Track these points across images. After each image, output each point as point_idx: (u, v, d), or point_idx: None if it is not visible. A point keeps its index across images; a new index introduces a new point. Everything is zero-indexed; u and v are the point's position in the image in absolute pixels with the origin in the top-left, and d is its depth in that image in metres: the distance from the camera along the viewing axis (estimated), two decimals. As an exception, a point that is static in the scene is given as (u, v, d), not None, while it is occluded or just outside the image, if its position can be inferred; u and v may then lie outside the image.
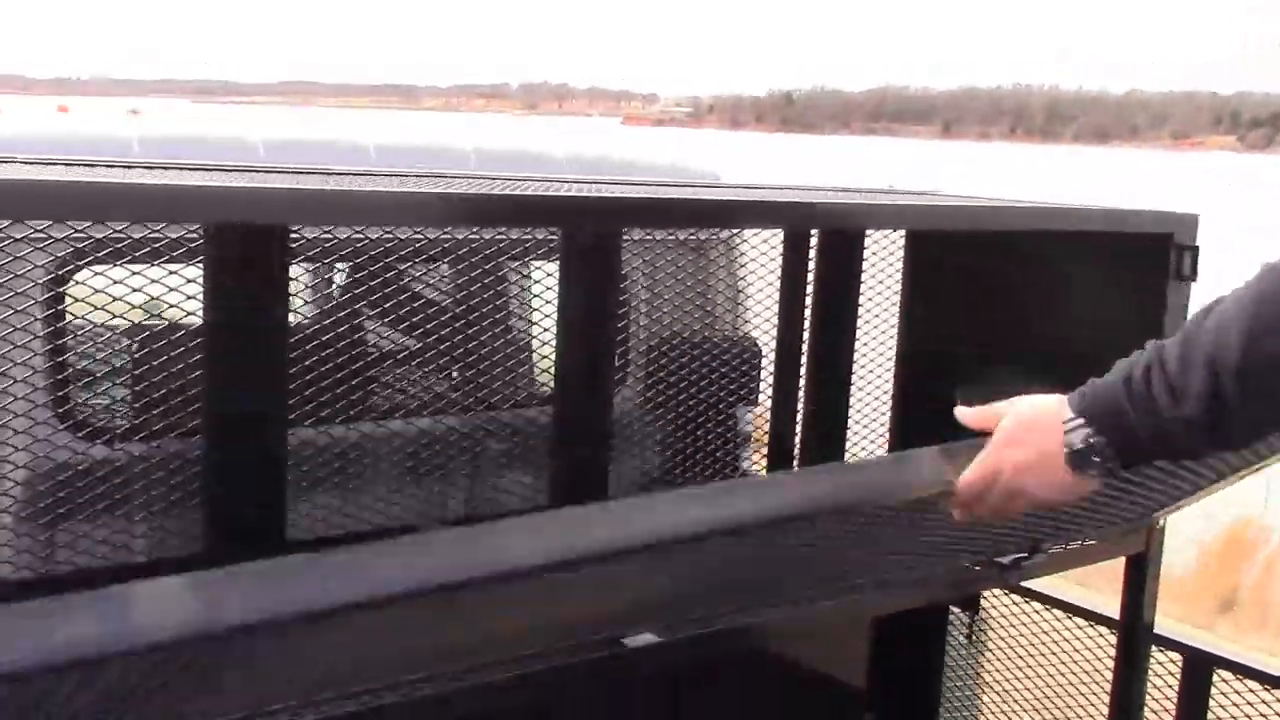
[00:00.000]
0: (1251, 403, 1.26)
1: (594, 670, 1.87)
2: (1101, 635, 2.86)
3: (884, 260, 2.92)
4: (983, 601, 3.12)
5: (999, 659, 3.13)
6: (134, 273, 1.97)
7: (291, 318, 2.08)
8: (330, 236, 2.14)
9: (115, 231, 1.94)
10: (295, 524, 2.17)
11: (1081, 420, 1.39)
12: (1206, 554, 8.93)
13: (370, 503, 2.31)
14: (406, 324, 2.37)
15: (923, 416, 2.94)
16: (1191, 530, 8.95)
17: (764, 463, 2.92)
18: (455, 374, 2.47)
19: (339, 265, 2.39)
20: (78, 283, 2.05)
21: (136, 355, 2.18)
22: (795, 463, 2.87)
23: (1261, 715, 2.62)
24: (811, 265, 2.77)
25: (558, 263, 2.47)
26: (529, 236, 2.43)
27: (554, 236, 2.42)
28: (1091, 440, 1.38)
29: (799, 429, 2.87)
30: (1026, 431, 1.45)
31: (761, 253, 2.75)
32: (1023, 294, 2.79)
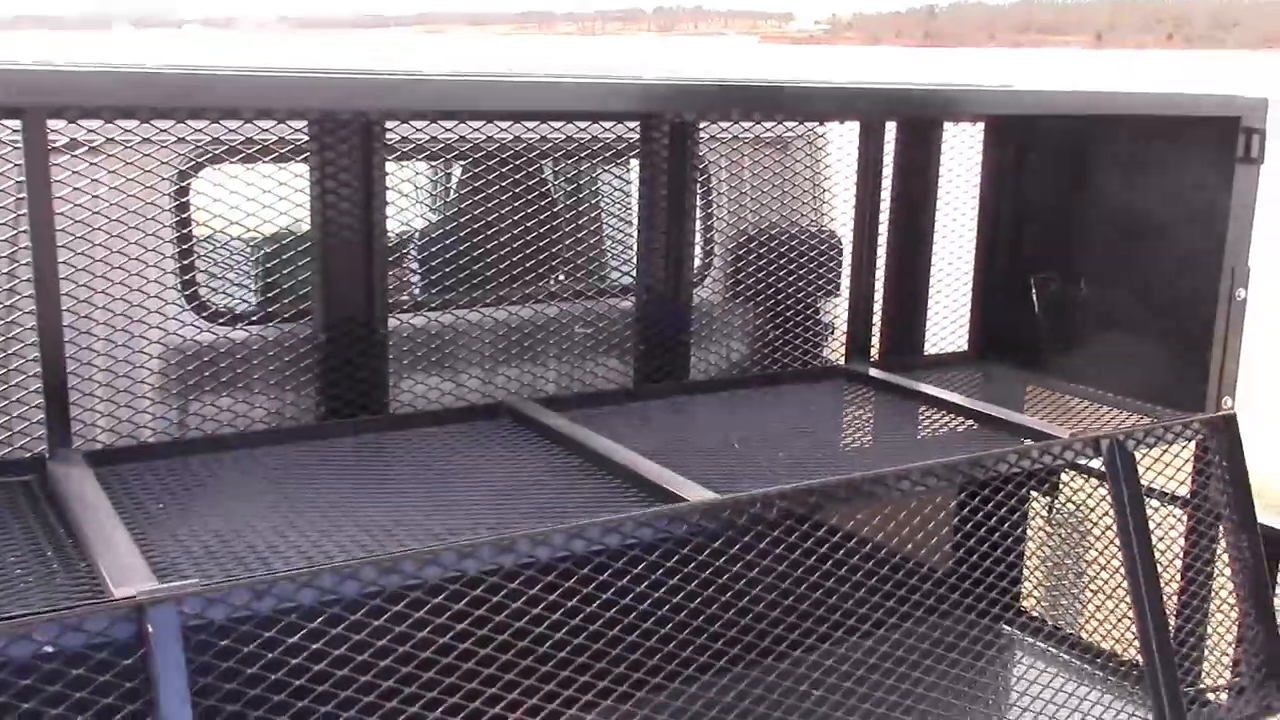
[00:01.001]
0: None
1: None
2: (1175, 515, 2.93)
3: (964, 153, 3.00)
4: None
5: (1075, 539, 3.22)
6: (250, 171, 2.20)
7: (392, 212, 2.28)
8: (424, 136, 2.33)
9: (231, 132, 2.17)
10: (398, 399, 2.41)
11: None
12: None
13: (466, 381, 2.52)
14: (503, 220, 2.55)
15: (1000, 306, 3.05)
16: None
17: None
18: (545, 266, 2.65)
19: (434, 166, 2.56)
20: (201, 180, 2.28)
21: (254, 250, 2.42)
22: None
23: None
24: (890, 157, 2.87)
25: (637, 161, 2.64)
26: (609, 135, 2.58)
27: (634, 134, 2.58)
28: None
29: (878, 320, 2.99)
30: None
31: (840, 148, 2.86)
32: (1099, 182, 2.84)
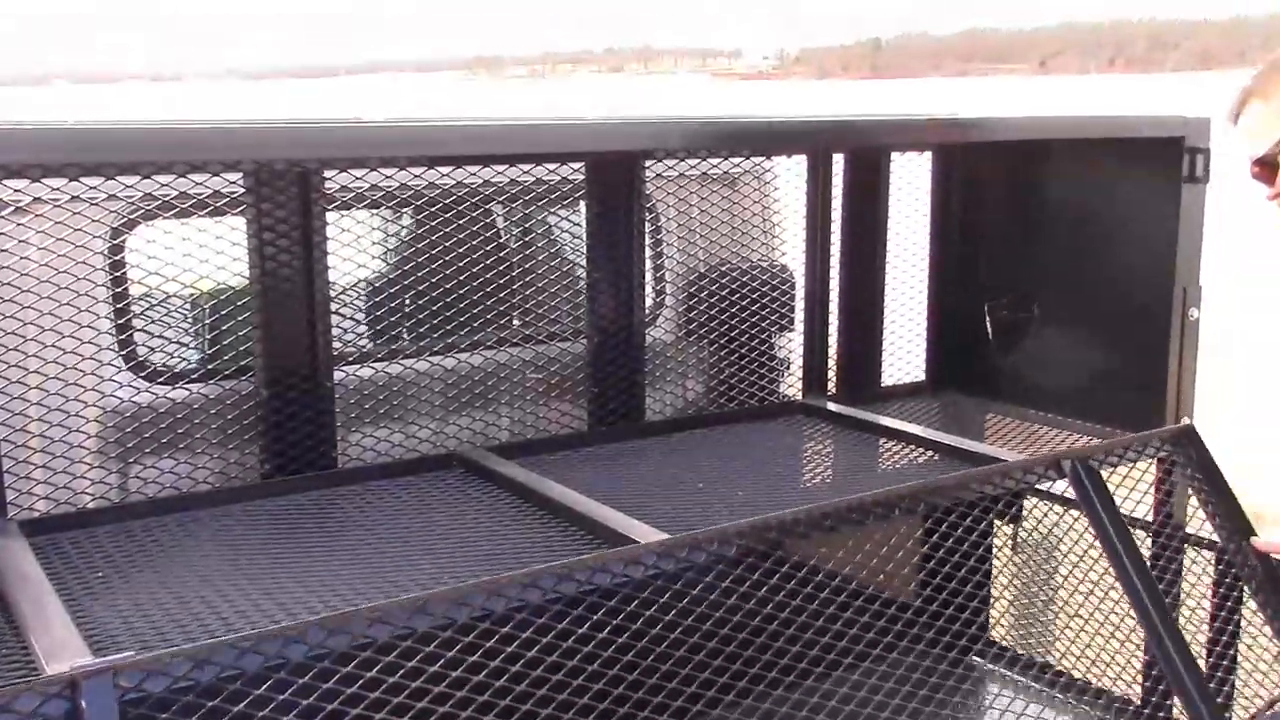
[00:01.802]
0: None
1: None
2: (1139, 540, 2.91)
3: (912, 182, 3.00)
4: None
5: (1041, 566, 3.20)
6: (185, 225, 2.15)
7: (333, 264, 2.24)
8: (364, 184, 2.30)
9: (165, 187, 2.12)
10: (346, 453, 2.36)
11: None
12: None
13: (417, 432, 2.47)
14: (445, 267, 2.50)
15: (956, 334, 3.04)
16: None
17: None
18: (495, 311, 2.60)
19: (376, 213, 2.53)
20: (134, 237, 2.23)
21: (193, 306, 2.37)
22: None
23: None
24: (838, 189, 2.86)
25: (584, 201, 2.61)
26: (555, 177, 2.55)
27: (580, 175, 2.55)
28: None
29: (834, 353, 2.97)
30: None
31: (788, 181, 2.85)
32: (1048, 207, 2.84)
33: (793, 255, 2.96)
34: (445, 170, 2.37)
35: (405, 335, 2.51)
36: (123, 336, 2.23)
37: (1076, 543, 3.16)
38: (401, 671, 1.46)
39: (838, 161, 2.84)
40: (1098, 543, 3.06)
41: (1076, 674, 2.83)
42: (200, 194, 2.13)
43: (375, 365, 2.41)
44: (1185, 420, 2.67)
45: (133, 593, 1.71)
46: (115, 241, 2.21)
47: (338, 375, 2.28)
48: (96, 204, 2.08)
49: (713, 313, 2.88)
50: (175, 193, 2.12)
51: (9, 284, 1.94)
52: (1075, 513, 3.10)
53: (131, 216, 2.22)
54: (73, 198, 2.04)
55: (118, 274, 2.22)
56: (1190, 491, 2.62)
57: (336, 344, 2.29)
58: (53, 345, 2.04)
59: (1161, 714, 2.20)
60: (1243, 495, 2.42)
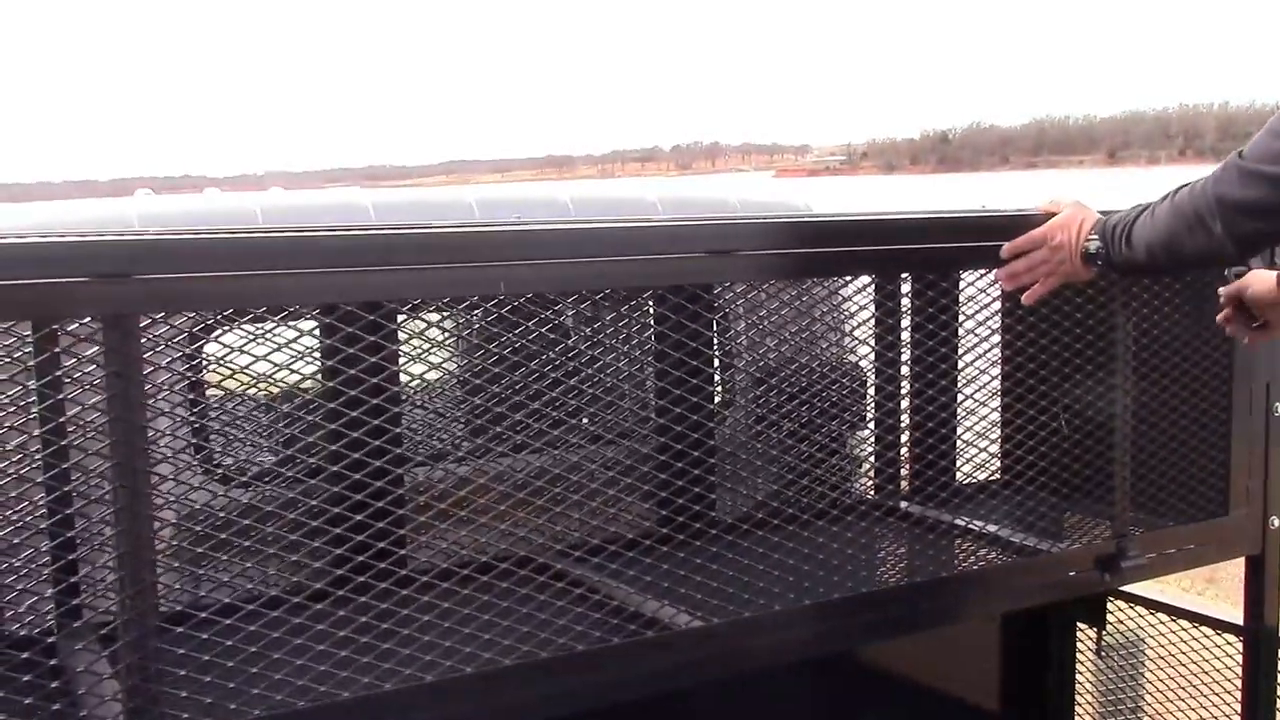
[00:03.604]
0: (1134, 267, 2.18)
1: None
2: (1231, 644, 2.81)
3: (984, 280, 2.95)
4: (1111, 618, 3.09)
5: (1130, 675, 3.09)
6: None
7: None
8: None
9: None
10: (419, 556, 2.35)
11: (1096, 236, 2.19)
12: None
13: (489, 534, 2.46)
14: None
15: (1032, 433, 2.98)
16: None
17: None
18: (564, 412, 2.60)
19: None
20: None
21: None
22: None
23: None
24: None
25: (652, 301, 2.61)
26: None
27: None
28: (1095, 248, 2.19)
29: (906, 452, 2.91)
30: (1067, 225, 2.23)
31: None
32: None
33: (864, 352, 2.93)
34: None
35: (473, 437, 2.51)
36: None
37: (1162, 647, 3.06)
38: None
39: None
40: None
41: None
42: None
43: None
44: (1273, 521, 2.58)
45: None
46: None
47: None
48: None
49: (784, 411, 2.85)
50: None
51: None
52: (1164, 616, 3.00)
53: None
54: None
55: None
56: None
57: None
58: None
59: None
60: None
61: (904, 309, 2.71)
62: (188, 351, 1.95)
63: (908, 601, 2.19)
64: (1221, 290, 2.37)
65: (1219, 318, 2.38)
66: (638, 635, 1.91)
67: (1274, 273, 2.33)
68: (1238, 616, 2.84)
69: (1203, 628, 2.88)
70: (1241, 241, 1.99)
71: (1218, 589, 7.67)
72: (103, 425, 1.54)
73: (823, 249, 2.16)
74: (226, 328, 1.71)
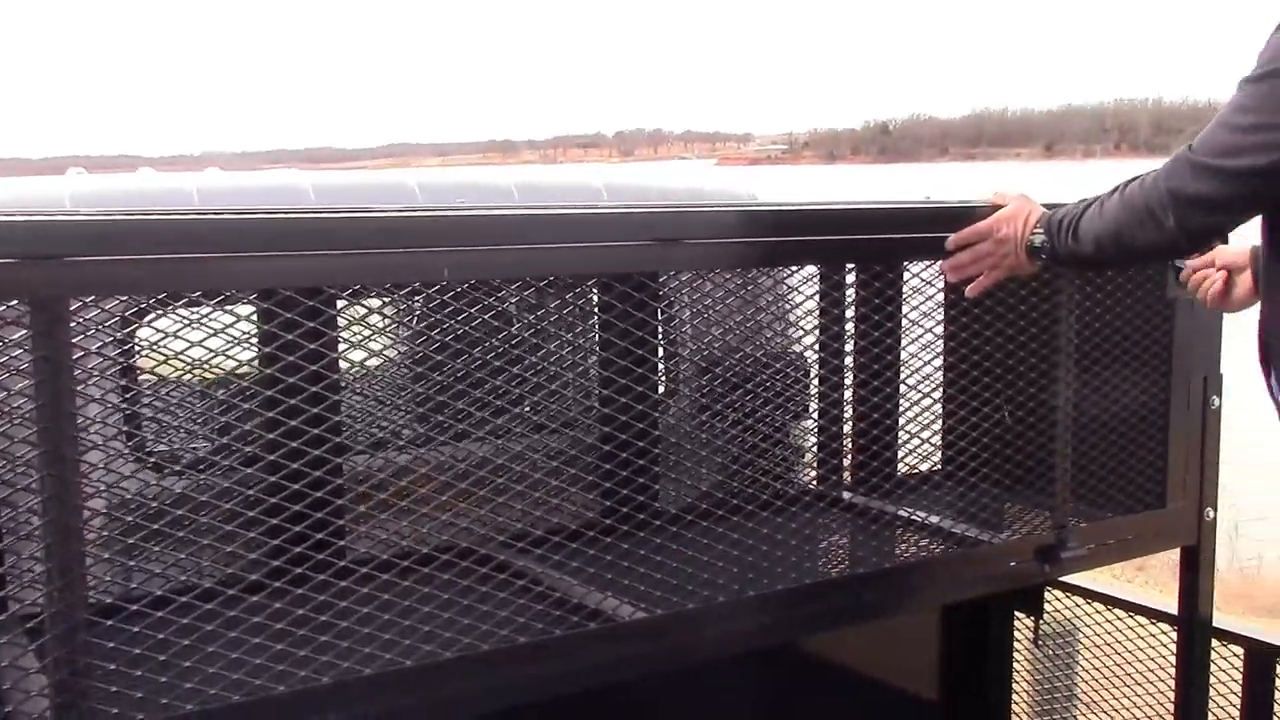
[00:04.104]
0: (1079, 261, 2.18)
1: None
2: (1166, 633, 2.85)
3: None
4: (1048, 606, 3.12)
5: (1066, 663, 3.13)
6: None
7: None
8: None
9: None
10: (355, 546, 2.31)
11: (1041, 230, 2.19)
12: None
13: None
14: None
15: (973, 422, 2.99)
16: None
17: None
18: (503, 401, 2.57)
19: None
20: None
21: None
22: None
23: (1328, 705, 2.59)
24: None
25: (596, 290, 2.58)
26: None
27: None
28: (1040, 242, 2.18)
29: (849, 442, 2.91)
30: (1013, 218, 2.22)
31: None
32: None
33: (808, 341, 2.92)
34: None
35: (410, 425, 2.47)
36: None
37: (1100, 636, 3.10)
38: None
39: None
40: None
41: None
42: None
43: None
44: (1208, 513, 2.62)
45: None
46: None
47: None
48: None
49: (726, 400, 2.84)
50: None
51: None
52: (1099, 605, 3.04)
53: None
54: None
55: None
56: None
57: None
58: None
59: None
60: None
61: (848, 299, 2.71)
62: (119, 336, 1.89)
63: (852, 592, 2.19)
64: (1189, 262, 2.38)
65: (1192, 285, 2.37)
66: (581, 627, 1.89)
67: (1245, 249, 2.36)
68: (1166, 603, 2.88)
69: (1138, 617, 2.92)
70: (1194, 235, 2.00)
71: (1147, 575, 7.81)
72: (30, 411, 1.49)
73: (771, 238, 2.14)
74: (161, 312, 1.66)
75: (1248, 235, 2.40)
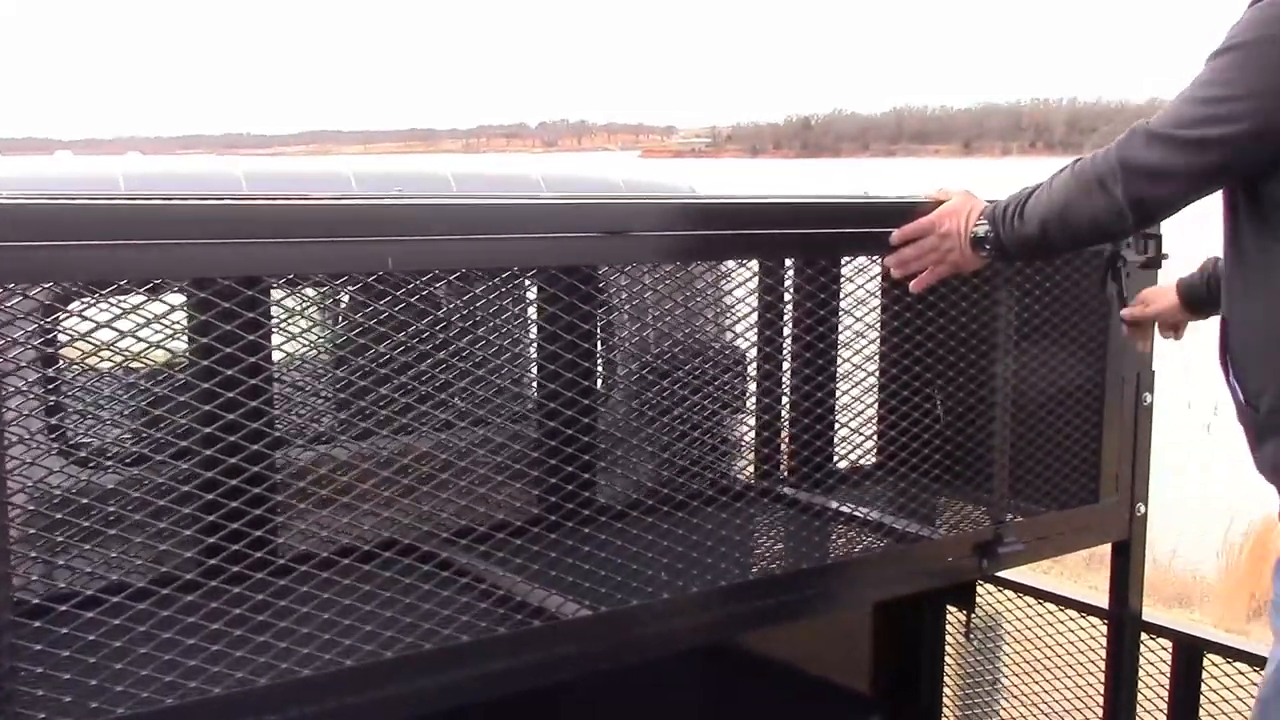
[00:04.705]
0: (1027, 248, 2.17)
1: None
2: (1095, 626, 2.89)
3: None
4: (978, 600, 3.15)
5: (994, 656, 3.16)
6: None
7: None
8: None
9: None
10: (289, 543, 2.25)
11: (985, 221, 2.18)
12: (1234, 557, 8.83)
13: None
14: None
15: (908, 418, 3.00)
16: (1218, 533, 8.90)
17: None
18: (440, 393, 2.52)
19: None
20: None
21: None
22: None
23: (1253, 697, 2.64)
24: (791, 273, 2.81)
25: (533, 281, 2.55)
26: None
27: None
28: (984, 232, 2.17)
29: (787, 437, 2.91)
30: (956, 213, 2.21)
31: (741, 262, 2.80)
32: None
33: (746, 335, 2.91)
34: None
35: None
36: None
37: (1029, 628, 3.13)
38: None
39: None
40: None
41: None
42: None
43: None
44: (1139, 508, 2.66)
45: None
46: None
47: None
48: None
49: (665, 394, 2.82)
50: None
51: None
52: (1030, 599, 3.07)
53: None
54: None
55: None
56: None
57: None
58: None
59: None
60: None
61: (786, 293, 2.70)
62: (43, 325, 1.81)
63: (795, 588, 2.18)
64: (1125, 314, 2.47)
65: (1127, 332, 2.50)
66: (525, 625, 1.86)
67: (1171, 288, 2.41)
68: (1095, 597, 2.92)
69: (1068, 610, 2.96)
70: (1139, 206, 1.95)
71: (1062, 568, 7.96)
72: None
73: (716, 231, 2.12)
74: (89, 301, 1.59)
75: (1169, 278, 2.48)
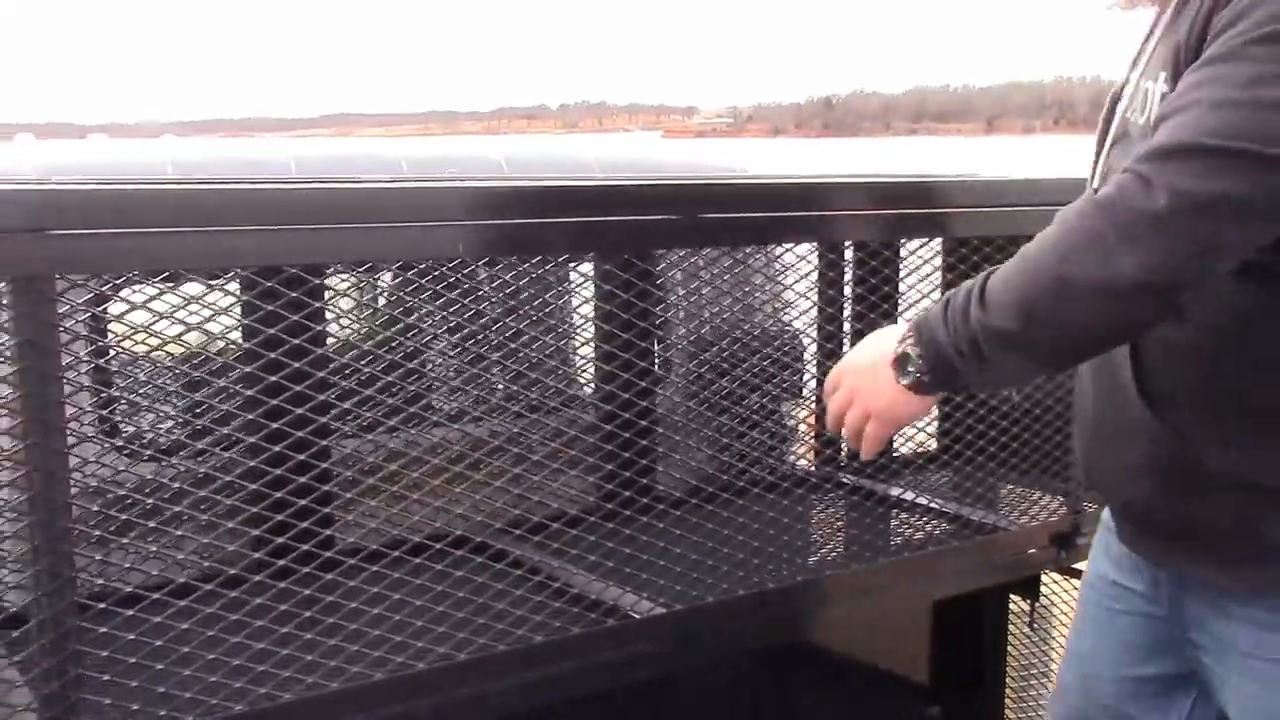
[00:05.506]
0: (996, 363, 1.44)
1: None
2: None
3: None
4: (1043, 589, 3.07)
5: (1057, 644, 3.09)
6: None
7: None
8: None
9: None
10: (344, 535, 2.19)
11: (911, 334, 1.52)
12: None
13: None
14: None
15: (969, 405, 2.93)
16: None
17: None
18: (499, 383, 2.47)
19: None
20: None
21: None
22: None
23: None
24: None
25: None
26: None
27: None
28: (910, 350, 1.51)
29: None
30: (871, 341, 1.62)
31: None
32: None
33: (804, 321, 2.84)
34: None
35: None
36: None
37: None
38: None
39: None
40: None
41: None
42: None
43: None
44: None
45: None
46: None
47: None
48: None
49: (722, 382, 2.75)
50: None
51: None
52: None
53: None
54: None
55: None
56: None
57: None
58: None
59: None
60: None
61: (845, 277, 2.64)
62: (98, 313, 1.75)
63: (869, 584, 2.12)
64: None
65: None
66: (599, 624, 1.80)
67: None
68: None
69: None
70: (1205, 256, 1.33)
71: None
72: (13, 400, 1.37)
73: (770, 213, 2.04)
74: (158, 291, 1.52)
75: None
